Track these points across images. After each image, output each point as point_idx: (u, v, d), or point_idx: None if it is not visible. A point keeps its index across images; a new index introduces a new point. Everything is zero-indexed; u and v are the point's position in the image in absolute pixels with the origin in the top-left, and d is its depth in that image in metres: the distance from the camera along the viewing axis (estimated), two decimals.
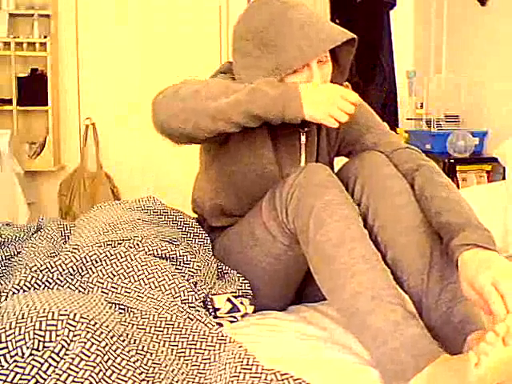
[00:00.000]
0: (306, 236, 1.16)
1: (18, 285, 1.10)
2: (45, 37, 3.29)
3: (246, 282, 1.32)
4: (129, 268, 1.20)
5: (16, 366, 0.86)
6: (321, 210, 1.14)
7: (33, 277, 1.12)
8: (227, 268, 1.37)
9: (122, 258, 1.21)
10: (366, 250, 1.12)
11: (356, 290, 1.07)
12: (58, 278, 1.15)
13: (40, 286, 1.12)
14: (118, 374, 0.89)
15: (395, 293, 1.08)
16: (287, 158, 1.38)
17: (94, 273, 1.18)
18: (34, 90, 3.28)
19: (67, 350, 0.88)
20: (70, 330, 0.89)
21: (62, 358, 0.87)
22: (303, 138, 1.39)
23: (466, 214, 1.12)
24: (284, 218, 1.21)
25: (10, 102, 3.27)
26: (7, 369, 0.86)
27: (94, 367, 0.86)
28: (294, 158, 1.39)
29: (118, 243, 1.28)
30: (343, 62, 1.35)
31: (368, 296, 1.06)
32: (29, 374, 0.85)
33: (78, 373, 0.85)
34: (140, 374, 0.91)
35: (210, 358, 1.02)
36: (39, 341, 0.89)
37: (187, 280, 1.24)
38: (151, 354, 0.99)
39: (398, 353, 1.00)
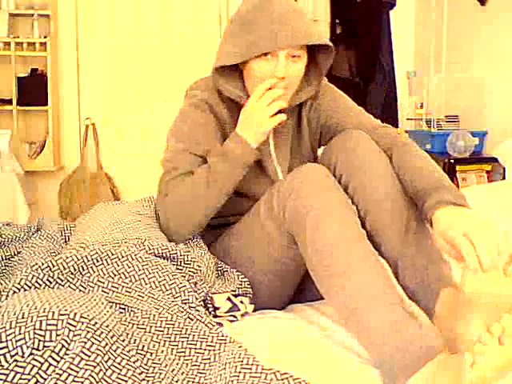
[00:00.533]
0: (303, 237, 1.16)
1: (18, 284, 1.10)
2: (45, 37, 3.29)
3: (245, 280, 1.32)
4: (130, 267, 1.20)
5: (16, 365, 0.86)
6: (318, 212, 1.14)
7: (33, 276, 1.12)
8: (226, 266, 1.37)
9: (122, 257, 1.21)
10: (363, 251, 1.12)
11: (354, 290, 1.07)
12: (58, 277, 1.15)
13: (41, 284, 1.12)
14: (118, 373, 0.89)
15: (394, 292, 1.08)
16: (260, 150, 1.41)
17: (94, 272, 1.18)
18: (34, 90, 3.28)
19: (67, 349, 0.88)
20: (70, 330, 0.89)
21: (62, 358, 0.87)
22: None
23: (439, 178, 1.19)
24: (282, 219, 1.22)
25: (10, 101, 3.27)
26: (7, 368, 0.86)
27: (94, 367, 0.86)
28: (265, 151, 1.42)
29: (125, 242, 1.28)
30: (321, 67, 1.39)
31: (366, 296, 1.06)
32: (29, 374, 0.85)
33: (78, 372, 0.85)
34: (140, 374, 0.91)
35: (210, 358, 1.02)
36: (39, 340, 0.89)
37: (188, 280, 1.24)
38: (151, 353, 0.99)
39: (397, 352, 1.00)
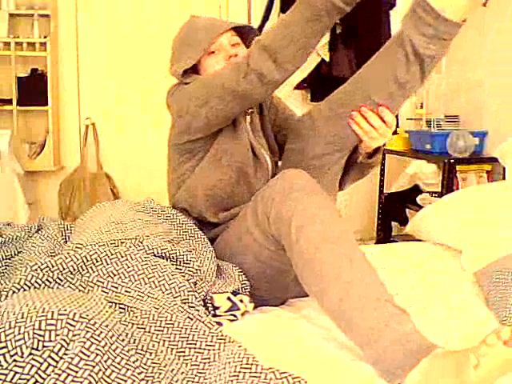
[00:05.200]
0: (289, 242, 1.16)
1: (18, 284, 1.10)
2: (45, 37, 3.29)
3: (245, 279, 1.33)
4: (129, 267, 1.20)
5: (15, 365, 0.86)
6: (301, 215, 1.14)
7: (33, 276, 1.12)
8: (226, 265, 1.37)
9: (122, 257, 1.21)
10: (349, 250, 1.11)
11: (343, 291, 1.07)
12: (58, 277, 1.15)
13: (40, 284, 1.12)
14: (118, 373, 0.89)
15: (383, 290, 1.08)
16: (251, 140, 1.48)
17: (94, 272, 1.18)
18: (34, 90, 3.27)
19: (67, 349, 0.88)
20: (69, 330, 0.89)
21: (61, 358, 0.87)
22: (248, 119, 1.51)
23: None
24: (267, 225, 1.23)
25: (10, 101, 3.26)
26: (7, 368, 0.86)
27: (94, 366, 0.86)
28: (243, 136, 1.46)
29: (121, 242, 1.28)
30: None
31: (355, 296, 1.06)
32: (28, 374, 0.85)
33: (77, 372, 0.85)
34: (139, 374, 0.91)
35: (209, 358, 1.02)
36: (39, 340, 0.89)
37: (187, 280, 1.24)
38: (151, 353, 0.99)
39: (391, 350, 1.00)
